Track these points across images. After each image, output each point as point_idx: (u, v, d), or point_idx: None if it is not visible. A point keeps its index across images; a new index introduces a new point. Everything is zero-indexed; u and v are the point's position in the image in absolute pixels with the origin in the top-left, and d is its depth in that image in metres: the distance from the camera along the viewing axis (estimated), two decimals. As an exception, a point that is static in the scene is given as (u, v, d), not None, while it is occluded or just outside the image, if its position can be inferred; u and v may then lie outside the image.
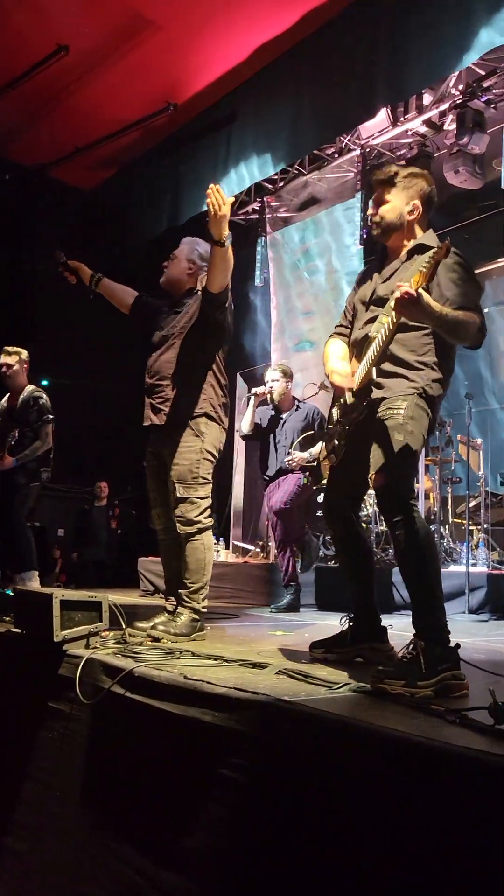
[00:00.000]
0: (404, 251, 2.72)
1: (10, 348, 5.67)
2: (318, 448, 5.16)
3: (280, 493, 5.55)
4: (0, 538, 5.57)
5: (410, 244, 2.71)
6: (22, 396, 5.61)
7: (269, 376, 5.80)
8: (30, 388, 5.67)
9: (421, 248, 2.63)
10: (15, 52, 6.72)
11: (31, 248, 8.07)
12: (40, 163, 8.34)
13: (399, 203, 2.71)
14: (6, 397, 5.77)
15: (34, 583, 5.30)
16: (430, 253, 2.27)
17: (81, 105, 7.41)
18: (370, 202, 2.84)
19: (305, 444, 5.60)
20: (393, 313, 2.43)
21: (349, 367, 2.78)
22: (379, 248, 2.94)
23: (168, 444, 3.49)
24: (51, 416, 5.56)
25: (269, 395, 5.72)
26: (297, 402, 5.86)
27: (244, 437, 5.96)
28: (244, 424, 5.79)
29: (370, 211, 2.80)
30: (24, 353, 5.70)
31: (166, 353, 3.56)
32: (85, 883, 2.32)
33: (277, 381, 5.72)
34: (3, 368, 5.62)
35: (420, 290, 2.26)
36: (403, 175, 2.72)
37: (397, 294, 2.29)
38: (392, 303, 2.38)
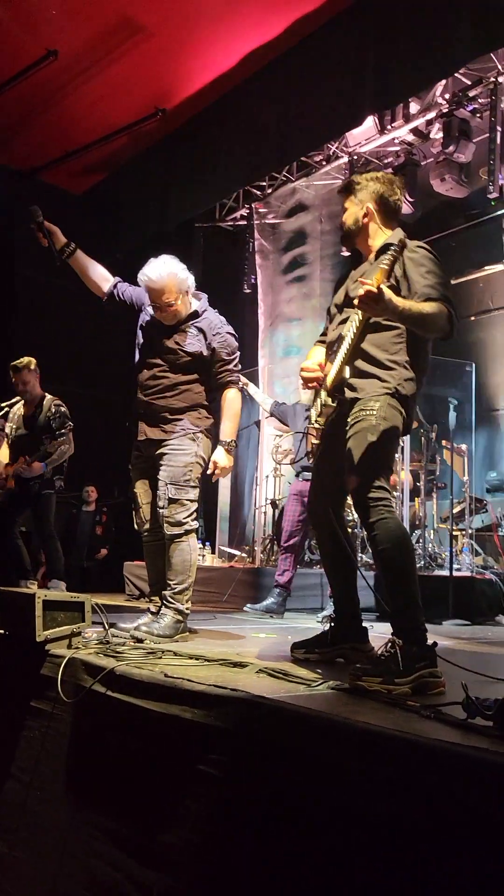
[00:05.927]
0: (373, 253, 2.77)
1: (19, 363, 5.58)
2: None
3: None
4: (6, 546, 5.57)
5: (378, 244, 2.76)
6: (40, 406, 5.57)
7: None
8: (49, 397, 5.63)
9: (387, 248, 2.65)
10: (4, 57, 6.73)
11: (20, 251, 8.06)
12: (30, 166, 8.36)
13: (355, 209, 2.79)
14: (19, 404, 5.71)
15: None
16: (390, 250, 2.35)
17: (71, 109, 7.43)
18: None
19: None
20: (359, 311, 2.46)
21: (319, 360, 2.82)
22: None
23: (162, 447, 3.52)
24: (71, 424, 5.57)
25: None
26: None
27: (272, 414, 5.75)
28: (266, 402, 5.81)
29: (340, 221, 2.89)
30: (34, 363, 5.63)
31: (164, 373, 3.55)
32: (64, 881, 2.33)
33: None
34: (21, 387, 5.57)
35: (382, 286, 2.28)
36: (357, 181, 2.81)
37: (360, 291, 2.32)
38: (356, 301, 2.39)
